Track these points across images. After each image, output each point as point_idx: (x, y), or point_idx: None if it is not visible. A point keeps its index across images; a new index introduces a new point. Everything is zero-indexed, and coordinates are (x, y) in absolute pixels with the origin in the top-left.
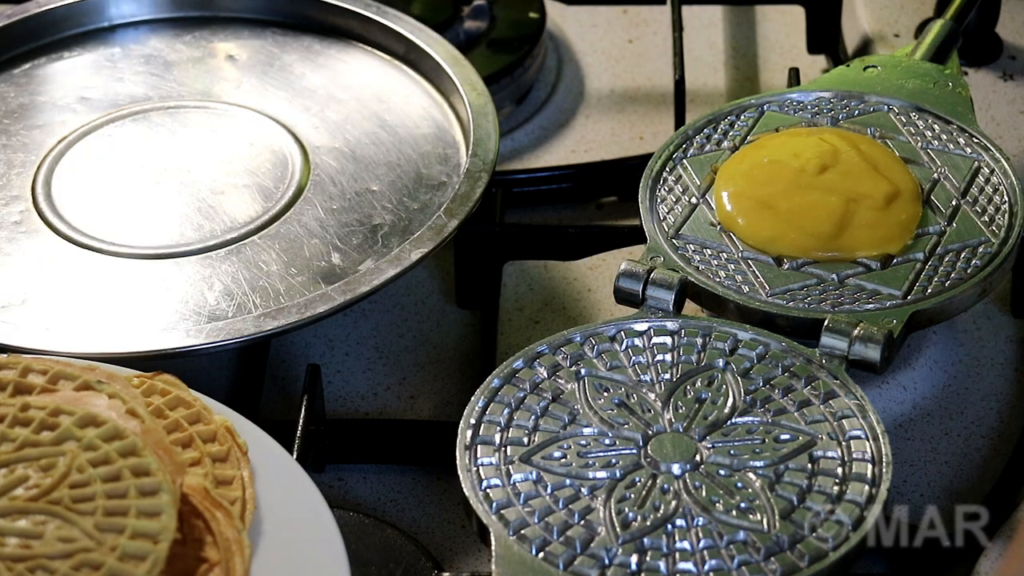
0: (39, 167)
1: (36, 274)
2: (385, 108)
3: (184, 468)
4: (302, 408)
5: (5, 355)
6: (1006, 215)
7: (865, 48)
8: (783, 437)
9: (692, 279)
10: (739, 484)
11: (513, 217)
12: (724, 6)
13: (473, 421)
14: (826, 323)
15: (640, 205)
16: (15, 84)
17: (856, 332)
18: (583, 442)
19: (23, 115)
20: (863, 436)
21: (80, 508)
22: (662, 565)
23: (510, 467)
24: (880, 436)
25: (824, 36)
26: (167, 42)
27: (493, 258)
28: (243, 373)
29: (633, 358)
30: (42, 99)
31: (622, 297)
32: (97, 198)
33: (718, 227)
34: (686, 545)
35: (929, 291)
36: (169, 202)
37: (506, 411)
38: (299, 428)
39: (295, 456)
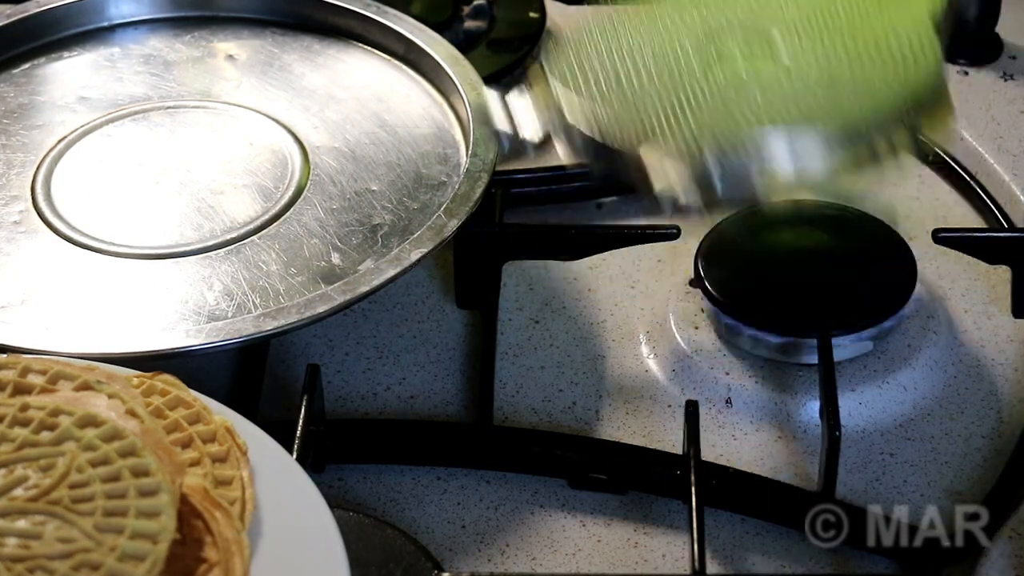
0: (38, 167)
1: (36, 274)
2: (385, 108)
3: (184, 468)
4: (302, 408)
5: (5, 355)
6: None
7: None
8: None
9: None
10: None
11: (513, 217)
12: None
13: None
14: None
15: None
16: (15, 84)
17: None
18: None
19: (23, 115)
20: None
21: (79, 508)
22: None
23: None
24: None
25: None
26: (167, 42)
27: (493, 258)
28: (243, 373)
29: None
30: (42, 99)
31: None
32: (97, 198)
33: None
34: None
35: None
36: (169, 202)
37: None
38: (299, 428)
39: (295, 456)
